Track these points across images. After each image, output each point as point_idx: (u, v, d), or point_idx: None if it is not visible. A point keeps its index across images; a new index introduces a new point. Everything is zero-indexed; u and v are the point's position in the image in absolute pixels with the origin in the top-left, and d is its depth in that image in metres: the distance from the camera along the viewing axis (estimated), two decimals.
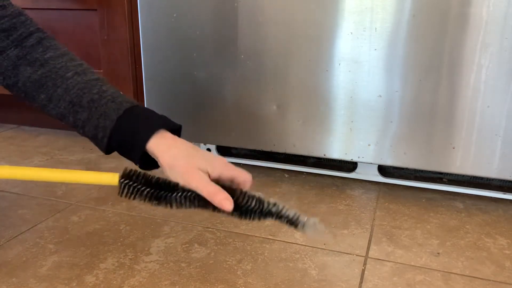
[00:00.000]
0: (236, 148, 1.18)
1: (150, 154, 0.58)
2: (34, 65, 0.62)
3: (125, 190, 0.56)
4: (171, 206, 0.56)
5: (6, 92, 1.41)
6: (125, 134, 0.58)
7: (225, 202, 0.54)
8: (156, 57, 1.03)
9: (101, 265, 0.70)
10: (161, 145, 0.57)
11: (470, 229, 0.84)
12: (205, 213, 0.87)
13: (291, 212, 0.57)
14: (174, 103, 1.04)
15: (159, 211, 0.88)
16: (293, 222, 0.57)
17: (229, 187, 0.56)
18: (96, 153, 1.21)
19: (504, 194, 0.96)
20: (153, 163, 0.60)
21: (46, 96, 0.61)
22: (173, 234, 0.80)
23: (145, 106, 1.07)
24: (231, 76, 0.98)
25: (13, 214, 0.86)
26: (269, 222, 0.84)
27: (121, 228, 0.81)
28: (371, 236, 0.80)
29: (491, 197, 0.97)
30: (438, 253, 0.75)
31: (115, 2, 1.13)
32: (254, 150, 1.15)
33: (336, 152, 0.96)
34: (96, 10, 1.15)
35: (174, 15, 0.98)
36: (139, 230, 0.81)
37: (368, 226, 0.84)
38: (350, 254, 0.74)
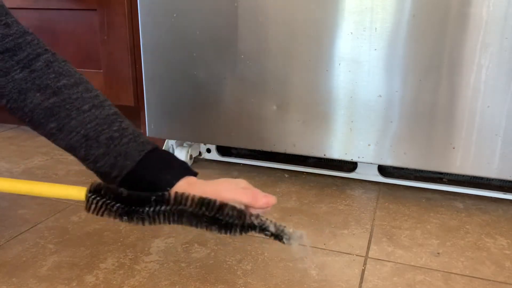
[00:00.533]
0: (236, 148, 1.18)
1: None
2: (45, 92, 0.58)
3: (93, 206, 0.53)
4: (143, 222, 0.53)
5: None
6: (144, 178, 0.57)
7: (269, 198, 0.55)
8: (156, 57, 1.03)
9: (101, 265, 0.70)
10: (186, 186, 0.56)
11: (470, 229, 0.84)
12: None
13: (275, 225, 0.54)
14: (174, 103, 1.04)
15: None
16: (277, 235, 0.54)
17: (205, 198, 0.54)
18: None
19: (504, 194, 0.96)
20: None
21: (57, 126, 0.58)
22: (173, 234, 0.80)
23: (145, 106, 1.07)
24: (231, 76, 0.98)
25: (13, 214, 0.86)
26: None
27: (121, 228, 0.81)
28: (371, 236, 0.80)
29: (491, 197, 0.97)
30: (438, 253, 0.75)
31: (115, 2, 1.13)
32: (254, 150, 1.15)
33: (336, 152, 0.96)
34: (96, 10, 1.15)
35: (174, 15, 0.98)
36: (139, 230, 0.81)
37: (368, 226, 0.84)
38: (350, 254, 0.74)
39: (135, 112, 1.26)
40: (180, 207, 0.53)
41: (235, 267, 0.70)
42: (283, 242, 0.54)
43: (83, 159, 0.59)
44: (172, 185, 0.56)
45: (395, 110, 0.89)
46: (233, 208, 0.53)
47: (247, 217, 0.54)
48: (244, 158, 1.15)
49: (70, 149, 0.59)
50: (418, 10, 0.83)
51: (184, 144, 1.14)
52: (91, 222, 0.83)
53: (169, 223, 0.54)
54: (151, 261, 0.71)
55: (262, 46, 0.94)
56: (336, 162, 1.12)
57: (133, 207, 0.53)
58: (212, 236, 0.79)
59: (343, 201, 0.94)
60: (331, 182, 1.04)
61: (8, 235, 0.78)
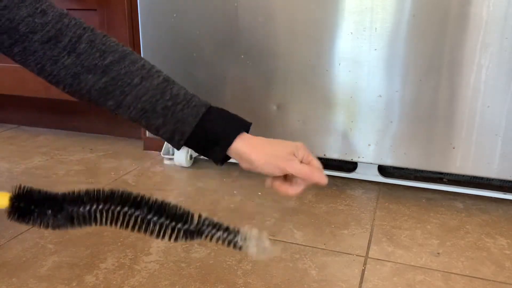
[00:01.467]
0: None
1: (228, 153, 0.61)
2: (96, 72, 0.61)
3: (17, 214, 0.48)
4: (72, 225, 0.50)
5: (6, 92, 1.41)
6: (204, 139, 0.61)
7: (323, 177, 0.61)
8: (156, 57, 1.03)
9: (101, 265, 0.70)
10: (244, 147, 0.60)
11: (470, 229, 0.84)
12: (205, 213, 0.87)
13: (226, 230, 0.50)
14: None
15: None
16: (230, 240, 0.50)
17: (144, 198, 0.50)
18: (95, 153, 1.21)
19: (504, 194, 0.96)
20: (227, 157, 0.62)
21: (115, 103, 0.61)
22: None
23: None
24: (231, 76, 0.98)
25: None
26: (269, 222, 0.84)
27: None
28: (371, 236, 0.80)
29: (491, 197, 0.97)
30: (438, 253, 0.75)
31: (115, 2, 1.13)
32: None
33: (336, 152, 0.96)
34: (96, 10, 1.15)
35: (174, 15, 0.98)
36: None
37: (368, 226, 0.84)
38: (350, 254, 0.74)
39: None
40: (112, 207, 0.51)
41: (235, 267, 0.70)
42: (239, 248, 0.50)
43: (147, 128, 0.62)
44: (230, 143, 0.60)
45: (395, 110, 0.89)
46: (180, 212, 0.51)
47: (194, 222, 0.50)
48: None
49: (133, 121, 0.62)
50: (418, 10, 0.83)
51: None
52: None
53: (102, 225, 0.51)
54: (151, 261, 0.71)
55: (262, 46, 0.94)
56: (336, 162, 1.12)
57: (68, 210, 0.50)
58: None
59: (343, 201, 0.94)
60: (331, 182, 1.04)
61: (8, 235, 0.78)
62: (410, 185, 1.01)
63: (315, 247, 0.76)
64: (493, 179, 1.01)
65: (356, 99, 0.91)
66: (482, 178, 1.02)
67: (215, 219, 0.51)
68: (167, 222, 0.51)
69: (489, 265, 0.72)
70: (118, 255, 0.73)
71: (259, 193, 0.97)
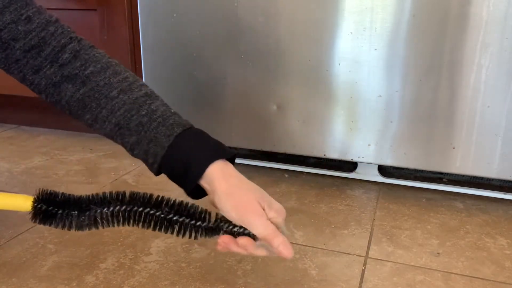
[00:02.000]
0: (236, 148, 1.18)
1: (202, 183, 0.54)
2: (75, 82, 0.57)
3: (41, 216, 0.50)
4: (96, 226, 0.51)
5: (6, 92, 1.42)
6: (176, 163, 0.54)
7: (286, 248, 0.50)
8: (156, 57, 1.03)
9: (101, 265, 0.70)
10: (218, 174, 0.53)
11: (470, 229, 0.84)
12: None
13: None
14: (174, 103, 1.04)
15: None
16: (248, 233, 0.51)
17: (162, 198, 0.51)
18: (95, 153, 1.21)
19: (504, 194, 0.96)
20: (203, 192, 0.57)
21: (91, 117, 0.58)
22: None
23: None
24: (231, 76, 0.98)
25: (13, 214, 0.86)
26: None
27: (121, 228, 0.81)
28: (371, 236, 0.80)
29: (491, 197, 0.97)
30: (438, 253, 0.75)
31: (115, 2, 1.13)
32: (254, 150, 1.15)
33: (336, 152, 0.96)
34: (96, 10, 1.15)
35: (174, 15, 0.98)
36: (139, 230, 0.81)
37: (368, 226, 0.84)
38: (350, 254, 0.74)
39: None
40: (135, 208, 0.52)
41: (235, 267, 0.70)
42: (255, 238, 0.51)
43: (124, 147, 0.58)
44: (204, 169, 0.53)
45: (395, 110, 0.89)
46: (196, 208, 0.52)
47: (212, 219, 0.52)
48: (244, 158, 1.15)
49: (109, 138, 0.58)
50: (418, 10, 0.83)
51: None
52: None
53: (124, 225, 0.53)
54: (151, 261, 0.71)
55: (262, 46, 0.94)
56: (336, 162, 1.12)
57: (86, 212, 0.51)
58: None
59: (343, 201, 0.94)
60: (331, 182, 1.04)
61: (8, 235, 0.78)
62: (410, 185, 1.01)
63: (315, 247, 0.76)
64: (493, 179, 1.01)
65: (356, 99, 0.91)
66: (482, 178, 1.02)
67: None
68: (188, 220, 0.52)
69: (489, 265, 0.72)
70: (118, 255, 0.73)
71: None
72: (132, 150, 0.57)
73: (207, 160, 0.53)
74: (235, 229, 0.52)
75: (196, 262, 0.71)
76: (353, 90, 0.91)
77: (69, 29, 0.60)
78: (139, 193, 0.52)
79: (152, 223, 0.52)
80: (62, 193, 0.52)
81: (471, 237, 0.81)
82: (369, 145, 0.93)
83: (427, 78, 0.86)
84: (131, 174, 1.06)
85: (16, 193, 0.97)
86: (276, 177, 1.06)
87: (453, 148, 0.88)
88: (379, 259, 0.73)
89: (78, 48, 0.59)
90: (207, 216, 0.52)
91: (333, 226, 0.84)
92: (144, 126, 0.55)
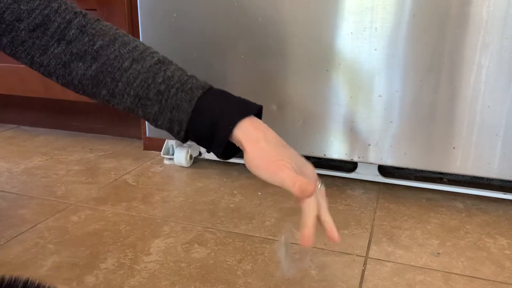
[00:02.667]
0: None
1: (233, 142, 0.53)
2: (86, 59, 0.55)
3: None
4: None
5: (6, 92, 1.41)
6: (202, 128, 0.53)
7: (308, 189, 0.50)
8: None
9: (101, 265, 0.70)
10: (246, 136, 0.52)
11: (470, 229, 0.84)
12: (205, 213, 0.87)
13: None
14: None
15: (159, 211, 0.88)
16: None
17: None
18: (95, 153, 1.21)
19: (504, 194, 0.96)
20: (234, 149, 0.55)
21: (108, 92, 0.56)
22: (173, 234, 0.80)
23: None
24: (231, 76, 0.98)
25: (13, 214, 0.86)
26: (269, 222, 0.84)
27: (121, 228, 0.81)
28: (371, 236, 0.80)
29: (492, 197, 0.97)
30: (438, 253, 0.75)
31: (115, 2, 1.13)
32: None
33: (336, 152, 0.96)
34: (96, 10, 1.15)
35: (174, 15, 0.98)
36: (139, 230, 0.81)
37: (368, 226, 0.84)
38: (350, 254, 0.74)
39: None
40: None
41: (235, 267, 0.70)
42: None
43: (147, 120, 0.56)
44: (231, 130, 0.51)
45: (395, 110, 0.89)
46: None
47: None
48: None
49: (130, 111, 0.56)
50: (418, 10, 0.83)
51: (184, 144, 1.14)
52: (91, 222, 0.83)
53: None
54: (151, 261, 0.71)
55: (262, 46, 0.94)
56: (336, 162, 1.12)
57: None
58: (212, 236, 0.79)
59: (343, 201, 0.94)
60: (331, 182, 1.04)
61: (8, 235, 0.78)
62: (410, 185, 1.01)
63: (315, 247, 0.76)
64: (493, 179, 1.01)
65: (356, 99, 0.91)
66: (482, 178, 1.02)
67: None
68: None
69: (489, 265, 0.72)
70: (118, 255, 0.73)
71: (259, 193, 0.97)
72: (156, 121, 0.55)
73: (232, 121, 0.52)
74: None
75: (196, 262, 0.71)
76: (353, 90, 0.91)
77: (72, 5, 0.58)
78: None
79: None
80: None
81: (471, 237, 0.81)
82: (369, 145, 0.93)
83: (427, 78, 0.86)
84: (131, 174, 1.06)
85: (15, 193, 0.98)
86: None
87: (453, 148, 0.88)
88: (379, 259, 0.73)
89: (84, 23, 0.57)
90: None
91: None
92: (163, 94, 0.54)
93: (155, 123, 0.56)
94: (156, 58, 0.56)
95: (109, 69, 0.55)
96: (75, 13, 0.57)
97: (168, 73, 0.55)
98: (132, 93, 0.55)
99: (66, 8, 0.57)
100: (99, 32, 0.57)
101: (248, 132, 0.52)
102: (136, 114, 0.56)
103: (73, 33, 0.56)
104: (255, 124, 0.53)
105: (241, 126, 0.52)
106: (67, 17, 0.56)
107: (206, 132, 0.53)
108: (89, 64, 0.56)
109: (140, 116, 0.57)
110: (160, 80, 0.54)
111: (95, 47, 0.56)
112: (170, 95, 0.54)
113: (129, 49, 0.57)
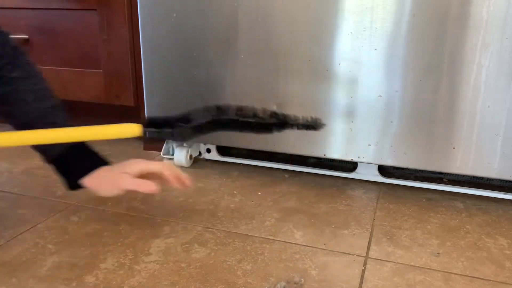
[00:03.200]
0: (236, 148, 1.18)
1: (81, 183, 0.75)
2: (1, 81, 0.72)
3: (150, 136, 0.65)
4: (197, 132, 0.68)
5: None
6: (69, 162, 0.75)
7: (147, 186, 0.72)
8: (156, 57, 1.03)
9: (101, 265, 0.70)
10: (90, 180, 0.75)
11: (470, 229, 0.84)
12: (205, 213, 0.87)
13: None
14: (174, 103, 1.04)
15: (159, 211, 0.88)
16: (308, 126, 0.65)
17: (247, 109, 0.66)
18: None
19: (504, 194, 0.96)
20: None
21: (8, 110, 0.74)
22: (173, 234, 0.80)
23: (145, 106, 1.07)
24: (231, 76, 0.98)
25: (13, 214, 0.86)
26: (269, 222, 0.84)
27: (121, 228, 0.81)
28: (371, 236, 0.80)
29: (492, 197, 0.97)
30: (438, 253, 0.75)
31: (115, 2, 1.13)
32: (254, 150, 1.15)
33: (336, 152, 0.96)
34: (96, 10, 1.15)
35: (174, 15, 0.98)
36: (139, 230, 0.81)
37: (368, 226, 0.84)
38: (350, 254, 0.74)
39: (135, 112, 1.26)
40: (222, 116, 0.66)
41: (235, 267, 0.70)
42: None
43: (23, 115, 0.74)
44: (87, 173, 0.74)
45: (395, 110, 0.89)
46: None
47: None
48: (244, 158, 1.15)
49: (17, 130, 0.74)
50: (418, 10, 0.83)
51: (184, 144, 1.14)
52: (91, 222, 0.83)
53: (216, 131, 0.68)
54: (151, 261, 0.71)
55: (262, 46, 0.94)
56: (336, 162, 1.12)
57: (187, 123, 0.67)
58: (212, 236, 0.79)
59: (343, 201, 0.94)
60: (331, 182, 1.04)
61: (8, 235, 0.78)
62: (410, 185, 1.01)
63: (315, 247, 0.76)
64: (493, 179, 1.01)
65: (356, 99, 0.91)
66: (482, 178, 1.02)
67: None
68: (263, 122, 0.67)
69: (489, 265, 0.72)
70: (118, 255, 0.73)
71: (259, 193, 0.97)
72: (36, 123, 0.74)
73: (94, 165, 0.75)
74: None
75: (196, 262, 0.71)
76: (353, 90, 0.91)
77: (11, 41, 0.76)
78: (226, 105, 0.68)
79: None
80: (160, 116, 0.68)
81: (471, 237, 0.81)
82: (369, 145, 0.93)
83: (427, 78, 0.86)
84: None
85: (15, 193, 0.97)
86: (276, 177, 1.06)
87: (453, 148, 0.88)
88: (379, 259, 0.73)
89: (13, 60, 0.74)
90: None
91: (333, 226, 0.84)
92: (53, 125, 0.72)
93: (29, 124, 0.73)
94: (52, 103, 0.76)
95: (15, 96, 0.73)
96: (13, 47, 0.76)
97: (56, 119, 0.75)
98: (24, 120, 0.74)
99: (5, 42, 0.75)
100: (20, 65, 0.75)
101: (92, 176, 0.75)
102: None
103: (3, 61, 0.73)
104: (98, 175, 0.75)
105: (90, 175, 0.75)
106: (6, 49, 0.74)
107: (68, 169, 0.76)
108: (1, 85, 0.73)
109: (19, 113, 0.75)
110: (50, 120, 0.74)
111: (11, 75, 0.73)
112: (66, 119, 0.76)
113: (36, 89, 0.75)
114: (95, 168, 0.74)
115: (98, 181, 0.74)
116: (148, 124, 0.66)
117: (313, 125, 0.65)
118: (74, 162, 0.75)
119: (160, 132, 0.67)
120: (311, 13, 0.89)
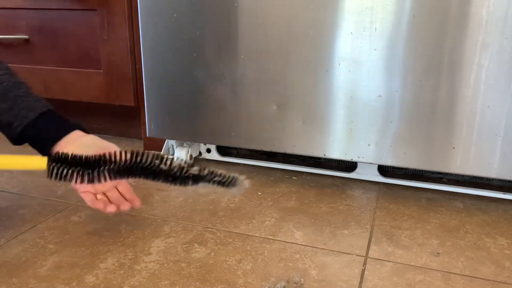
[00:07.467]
0: (236, 148, 1.18)
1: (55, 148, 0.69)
2: None
3: (54, 172, 0.60)
4: (99, 180, 0.62)
5: None
6: (41, 129, 0.68)
7: (109, 208, 0.70)
8: (156, 57, 1.03)
9: (101, 265, 0.70)
10: (62, 148, 0.67)
11: (470, 229, 0.84)
12: (205, 213, 0.87)
13: (220, 175, 0.62)
14: (174, 103, 1.04)
15: (159, 211, 0.88)
16: (223, 183, 0.62)
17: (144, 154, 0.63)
18: None
19: (504, 194, 0.96)
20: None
21: None
22: (173, 234, 0.80)
23: (145, 106, 1.07)
24: (231, 76, 0.98)
25: (13, 214, 0.86)
26: (269, 222, 0.84)
27: (121, 228, 0.81)
28: (371, 236, 0.80)
29: (491, 197, 0.97)
30: (438, 253, 0.75)
31: (115, 2, 1.13)
32: (254, 150, 1.15)
33: (336, 152, 0.96)
34: (96, 10, 1.15)
35: (174, 15, 0.98)
36: (139, 230, 0.81)
37: (368, 226, 0.84)
38: (350, 254, 0.74)
39: (135, 112, 1.26)
40: (127, 164, 0.63)
41: (235, 267, 0.70)
42: (227, 187, 0.62)
43: None
44: (57, 140, 0.68)
45: (395, 110, 0.89)
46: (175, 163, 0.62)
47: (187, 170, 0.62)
48: (244, 158, 1.15)
49: None
50: (418, 10, 0.83)
51: (184, 144, 1.14)
52: (91, 222, 0.83)
53: (119, 179, 0.64)
54: (151, 261, 0.71)
55: (262, 46, 0.94)
56: (336, 162, 1.12)
57: (89, 169, 0.61)
58: (212, 236, 0.79)
59: (343, 201, 0.94)
60: (331, 182, 1.04)
61: (8, 235, 0.78)
62: (410, 185, 1.01)
63: (315, 247, 0.76)
64: (493, 179, 1.01)
65: (356, 99, 0.91)
66: (482, 178, 1.02)
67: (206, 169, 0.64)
68: (177, 173, 0.63)
69: (489, 265, 0.72)
70: (118, 255, 0.73)
71: (259, 193, 0.97)
72: (0, 115, 0.67)
73: (63, 131, 0.69)
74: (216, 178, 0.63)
75: (196, 262, 0.71)
76: (353, 90, 0.91)
77: None
78: (138, 153, 0.64)
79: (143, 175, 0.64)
80: (72, 154, 0.61)
81: (471, 237, 0.81)
82: (369, 145, 0.93)
83: (427, 78, 0.86)
84: None
85: (15, 193, 0.98)
86: (276, 177, 1.07)
87: (453, 148, 0.88)
88: (379, 259, 0.73)
89: None
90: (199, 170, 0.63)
91: (333, 226, 0.84)
92: (21, 97, 0.67)
93: None
94: (22, 81, 0.71)
95: None
96: None
97: (30, 91, 0.70)
98: None
99: None
100: None
101: (62, 146, 0.68)
102: None
103: None
104: (70, 138, 0.70)
105: (65, 138, 0.69)
106: None
107: (40, 135, 0.68)
108: None
109: None
110: (23, 90, 0.69)
111: None
112: (27, 100, 0.68)
113: (6, 67, 0.71)
114: (65, 133, 0.69)
115: (74, 147, 0.67)
116: (56, 158, 0.61)
117: (227, 182, 0.63)
118: (39, 135, 0.69)
119: (65, 170, 0.61)
120: (311, 13, 0.89)
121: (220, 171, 0.63)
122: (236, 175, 0.63)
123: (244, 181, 0.64)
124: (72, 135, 0.69)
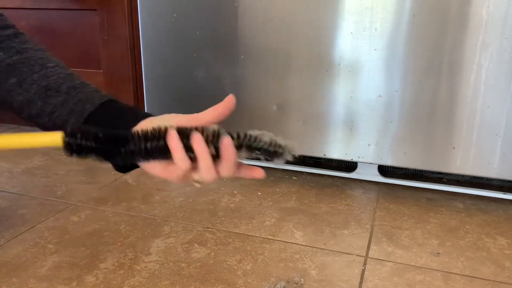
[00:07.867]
0: None
1: None
2: (9, 51, 0.57)
3: (70, 149, 0.52)
4: (122, 161, 0.50)
5: None
6: (103, 121, 0.53)
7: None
8: (156, 57, 1.03)
9: (101, 265, 0.70)
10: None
11: (470, 229, 0.84)
12: (205, 213, 0.87)
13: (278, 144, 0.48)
14: (174, 103, 1.04)
15: (159, 211, 0.88)
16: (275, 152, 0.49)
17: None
18: None
19: (504, 194, 0.96)
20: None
21: (17, 81, 0.56)
22: (173, 234, 0.80)
23: (145, 106, 1.07)
24: (231, 76, 0.98)
25: (13, 214, 0.86)
26: (269, 222, 0.84)
27: (121, 228, 0.81)
28: (371, 236, 0.80)
29: (491, 197, 0.97)
30: (438, 253, 0.75)
31: (115, 2, 1.13)
32: None
33: (336, 152, 0.96)
34: (96, 10, 1.15)
35: (174, 15, 0.98)
36: (139, 230, 0.81)
37: (368, 226, 0.84)
38: (350, 254, 0.74)
39: None
40: (155, 143, 0.49)
41: (235, 267, 0.70)
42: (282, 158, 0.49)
43: (38, 113, 0.56)
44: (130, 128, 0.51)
45: (395, 110, 0.89)
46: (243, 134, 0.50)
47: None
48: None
49: (26, 104, 0.56)
50: (418, 10, 0.83)
51: None
52: (91, 222, 0.83)
53: (147, 161, 0.51)
54: (151, 261, 0.71)
55: (262, 46, 0.94)
56: (336, 162, 1.12)
57: (111, 147, 0.50)
58: (212, 236, 0.79)
59: (343, 201, 0.94)
60: (331, 182, 1.04)
61: (8, 235, 0.78)
62: (410, 185, 1.01)
63: (315, 247, 0.76)
64: (493, 179, 1.01)
65: (356, 99, 0.91)
66: (482, 178, 1.02)
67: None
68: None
69: (489, 265, 0.72)
70: (118, 255, 0.73)
71: (259, 193, 0.97)
72: (52, 113, 0.55)
73: (137, 120, 0.52)
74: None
75: (196, 262, 0.71)
76: (353, 90, 0.91)
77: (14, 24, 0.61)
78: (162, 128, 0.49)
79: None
80: (88, 129, 0.51)
81: (471, 237, 0.81)
82: (369, 145, 0.93)
83: (427, 78, 0.86)
84: (131, 174, 1.06)
85: (15, 193, 0.98)
86: (276, 177, 1.06)
87: (453, 148, 0.88)
88: (379, 259, 0.73)
89: (20, 32, 0.59)
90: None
91: (333, 226, 0.84)
92: (76, 89, 0.55)
93: (48, 117, 0.55)
94: (76, 73, 0.58)
95: (31, 62, 0.57)
96: (14, 25, 0.60)
97: (86, 82, 0.57)
98: (43, 84, 0.55)
99: (7, 20, 0.60)
100: (32, 41, 0.60)
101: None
102: (31, 107, 0.56)
103: (7, 32, 0.58)
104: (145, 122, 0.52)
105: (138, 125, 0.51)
106: (7, 22, 0.59)
107: (108, 124, 0.53)
108: (11, 54, 0.57)
109: (31, 111, 0.56)
110: (78, 81, 0.56)
111: (23, 46, 0.58)
112: (83, 91, 0.55)
113: (55, 60, 0.59)
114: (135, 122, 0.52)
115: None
116: (71, 134, 0.53)
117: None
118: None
119: (84, 147, 0.53)
120: (311, 13, 0.89)
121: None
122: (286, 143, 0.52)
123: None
124: (142, 123, 0.52)
